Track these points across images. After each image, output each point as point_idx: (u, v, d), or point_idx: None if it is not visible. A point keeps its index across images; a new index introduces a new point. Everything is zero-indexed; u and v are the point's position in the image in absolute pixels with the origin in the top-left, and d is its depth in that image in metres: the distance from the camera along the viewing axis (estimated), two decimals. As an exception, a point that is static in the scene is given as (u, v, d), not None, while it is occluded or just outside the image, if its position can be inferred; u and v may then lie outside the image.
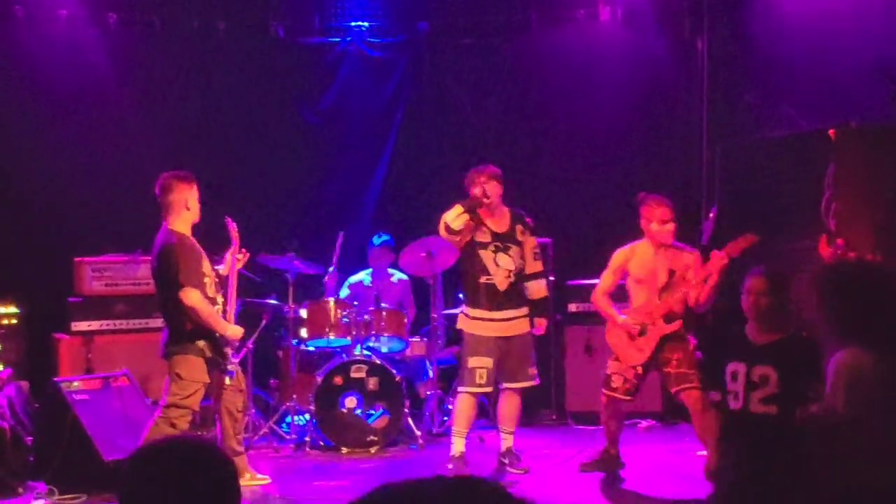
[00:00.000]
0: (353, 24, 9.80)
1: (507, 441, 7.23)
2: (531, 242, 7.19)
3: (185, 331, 6.33)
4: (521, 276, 7.11)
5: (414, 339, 8.50)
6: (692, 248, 6.96)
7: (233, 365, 6.56)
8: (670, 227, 6.76)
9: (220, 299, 6.53)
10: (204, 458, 2.25)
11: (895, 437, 3.62)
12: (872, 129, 7.08)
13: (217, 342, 6.40)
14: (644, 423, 8.59)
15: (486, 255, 7.04)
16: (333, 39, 9.86)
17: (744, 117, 9.14)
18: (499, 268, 7.03)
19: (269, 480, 6.90)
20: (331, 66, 9.86)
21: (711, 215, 8.19)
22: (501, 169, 9.65)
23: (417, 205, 9.64)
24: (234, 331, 6.47)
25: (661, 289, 6.74)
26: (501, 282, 7.02)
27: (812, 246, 6.95)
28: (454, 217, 6.91)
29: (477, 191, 7.00)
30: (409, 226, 9.27)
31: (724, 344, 5.36)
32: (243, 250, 6.86)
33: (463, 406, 7.10)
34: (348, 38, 9.83)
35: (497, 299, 7.02)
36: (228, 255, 6.81)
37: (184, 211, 6.39)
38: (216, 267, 6.79)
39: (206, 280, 6.40)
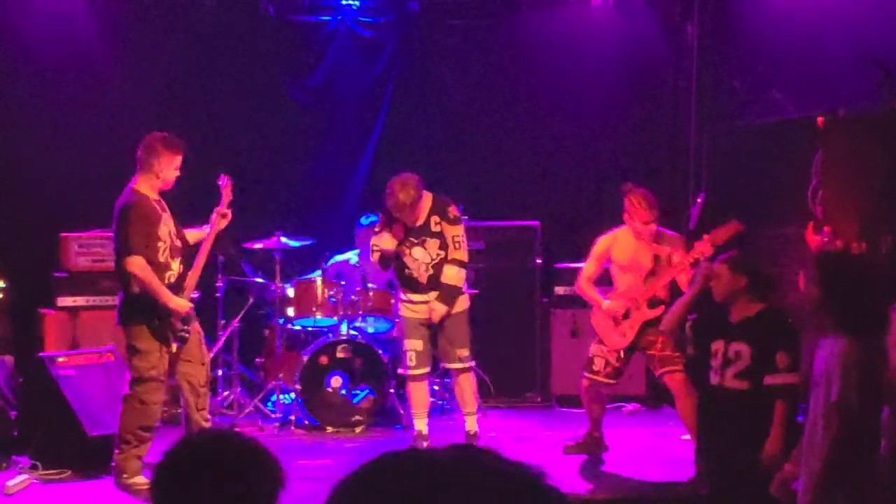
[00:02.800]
0: (343, 2, 9.76)
1: (468, 423, 7.29)
2: (451, 231, 7.11)
3: (134, 297, 6.20)
4: (442, 266, 7.10)
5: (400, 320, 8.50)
6: (673, 232, 6.96)
7: (184, 334, 6.33)
8: (651, 227, 6.75)
9: (175, 265, 6.32)
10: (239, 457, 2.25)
11: None
12: (860, 118, 7.09)
13: (164, 311, 6.20)
14: (628, 407, 8.62)
15: (403, 252, 7.13)
16: (323, 18, 9.83)
17: (732, 103, 9.15)
18: (416, 261, 7.11)
19: None
20: (320, 45, 9.84)
21: (699, 201, 8.21)
22: (490, 150, 9.73)
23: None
24: (178, 303, 6.22)
25: (647, 274, 6.76)
26: (421, 275, 7.12)
27: (799, 232, 6.98)
28: (376, 259, 7.18)
29: (390, 203, 6.99)
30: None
31: (709, 324, 5.55)
32: (229, 210, 6.62)
33: (411, 390, 7.29)
34: (338, 17, 9.80)
35: (419, 287, 7.13)
36: (213, 214, 6.60)
37: (153, 177, 6.26)
38: (203, 227, 6.63)
39: (161, 244, 6.23)
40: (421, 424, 7.29)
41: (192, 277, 6.46)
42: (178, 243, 6.40)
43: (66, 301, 8.19)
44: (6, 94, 8.82)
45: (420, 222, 7.07)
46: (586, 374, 6.96)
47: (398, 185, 6.94)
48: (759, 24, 8.88)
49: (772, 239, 7.50)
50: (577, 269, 9.02)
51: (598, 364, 6.90)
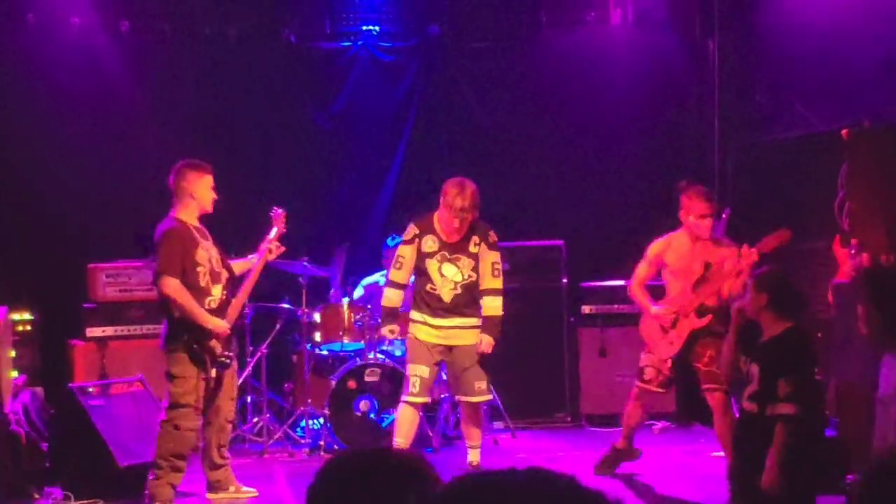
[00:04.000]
0: (364, 28, 9.80)
1: (471, 455, 6.98)
2: (491, 257, 6.89)
3: (174, 322, 6.23)
4: (472, 289, 6.87)
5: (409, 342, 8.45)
6: (731, 242, 6.74)
7: (225, 359, 6.32)
8: (707, 222, 6.65)
9: (216, 291, 6.34)
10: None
11: None
12: (885, 129, 7.05)
13: (202, 336, 6.21)
14: (658, 425, 8.56)
15: (431, 265, 6.83)
16: (345, 44, 9.87)
17: (756, 118, 9.13)
18: (444, 278, 6.83)
19: (257, 494, 6.69)
20: (342, 71, 9.87)
21: (724, 216, 8.17)
22: (513, 171, 9.72)
23: (429, 207, 9.63)
24: (217, 324, 6.23)
25: (696, 281, 6.61)
26: (447, 293, 6.83)
27: (826, 246, 6.94)
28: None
29: (450, 201, 6.71)
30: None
31: (745, 342, 5.44)
32: (279, 244, 6.71)
33: (400, 415, 6.92)
34: (359, 43, 9.83)
35: (440, 308, 6.84)
36: (263, 244, 6.68)
37: (189, 199, 6.35)
38: (250, 256, 6.68)
39: (200, 269, 6.25)
40: None
41: (236, 306, 6.49)
42: (220, 270, 6.43)
43: (94, 331, 8.24)
44: (35, 127, 8.89)
45: (459, 237, 6.85)
46: (638, 382, 6.88)
47: (459, 187, 6.69)
48: (780, 38, 8.85)
49: (799, 253, 7.46)
50: (602, 289, 9.03)
51: (650, 374, 6.80)
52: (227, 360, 6.38)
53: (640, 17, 9.67)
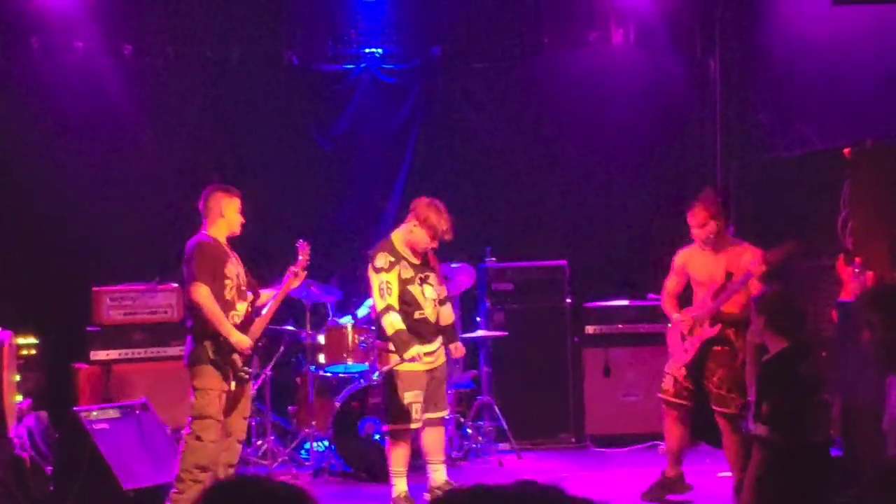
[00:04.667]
0: (366, 50, 9.83)
1: (439, 473, 6.88)
2: (437, 269, 6.93)
3: (198, 337, 6.28)
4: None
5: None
6: (755, 248, 6.61)
7: (244, 375, 6.37)
8: (699, 232, 6.64)
9: (241, 307, 6.42)
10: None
11: None
12: (888, 147, 7.06)
13: (224, 347, 6.25)
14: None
15: (414, 290, 6.70)
16: (347, 66, 9.89)
17: (758, 137, 9.15)
18: (427, 300, 6.75)
19: None
20: (345, 93, 9.89)
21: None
22: (516, 192, 9.74)
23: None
24: (239, 338, 6.25)
25: (717, 290, 6.58)
26: (431, 314, 6.77)
27: (830, 265, 6.94)
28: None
29: (434, 224, 6.65)
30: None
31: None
32: (303, 271, 6.74)
33: (402, 447, 6.78)
34: (362, 65, 9.85)
35: (430, 332, 6.76)
36: (288, 272, 6.71)
37: (218, 219, 6.46)
38: (275, 287, 6.74)
39: (228, 283, 6.34)
40: (403, 484, 6.77)
41: (259, 325, 6.51)
42: (246, 288, 6.51)
43: (99, 355, 8.23)
44: (39, 149, 8.91)
45: (420, 259, 6.79)
46: (658, 393, 6.88)
47: (436, 209, 6.65)
48: (782, 57, 8.88)
49: (802, 272, 7.46)
50: (605, 309, 9.03)
51: (667, 382, 6.79)
52: (246, 376, 6.43)
53: (641, 37, 9.69)
